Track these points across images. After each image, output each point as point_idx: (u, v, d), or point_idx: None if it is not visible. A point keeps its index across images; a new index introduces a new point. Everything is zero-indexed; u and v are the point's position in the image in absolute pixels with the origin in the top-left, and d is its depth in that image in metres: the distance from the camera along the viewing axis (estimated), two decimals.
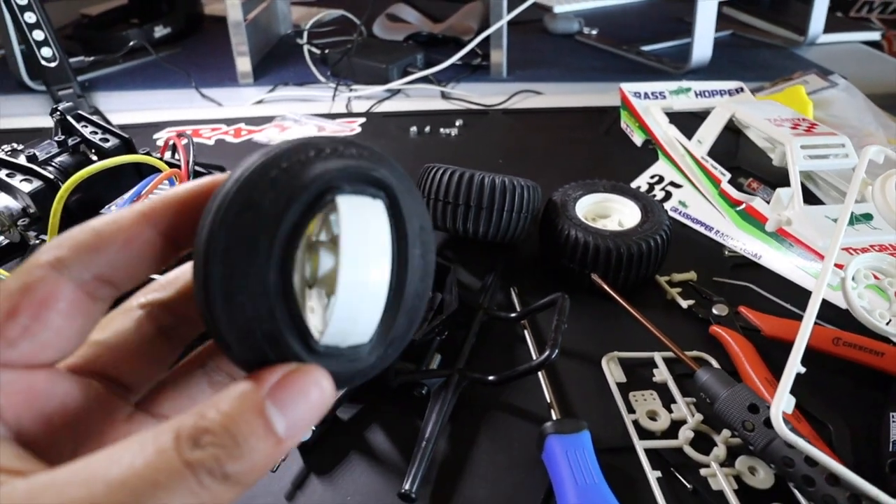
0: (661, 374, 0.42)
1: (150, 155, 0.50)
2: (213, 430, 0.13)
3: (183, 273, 0.19)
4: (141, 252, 0.17)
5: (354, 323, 0.16)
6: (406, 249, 0.17)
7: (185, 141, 0.49)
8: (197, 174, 0.52)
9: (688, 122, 0.66)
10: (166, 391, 0.18)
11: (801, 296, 0.48)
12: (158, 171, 0.47)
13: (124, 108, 0.85)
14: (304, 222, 0.15)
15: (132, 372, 0.18)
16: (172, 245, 0.17)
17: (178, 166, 0.48)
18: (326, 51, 0.96)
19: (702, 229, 0.57)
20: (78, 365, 0.17)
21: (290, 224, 0.15)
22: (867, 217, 0.49)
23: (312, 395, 0.15)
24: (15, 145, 0.52)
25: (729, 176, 0.57)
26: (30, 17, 0.81)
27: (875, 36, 1.05)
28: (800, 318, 0.46)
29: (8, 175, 0.47)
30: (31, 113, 0.84)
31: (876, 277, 0.41)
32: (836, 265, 0.38)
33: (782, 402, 0.32)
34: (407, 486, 0.33)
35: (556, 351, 0.37)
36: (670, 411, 0.39)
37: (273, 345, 0.15)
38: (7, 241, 0.50)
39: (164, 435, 0.13)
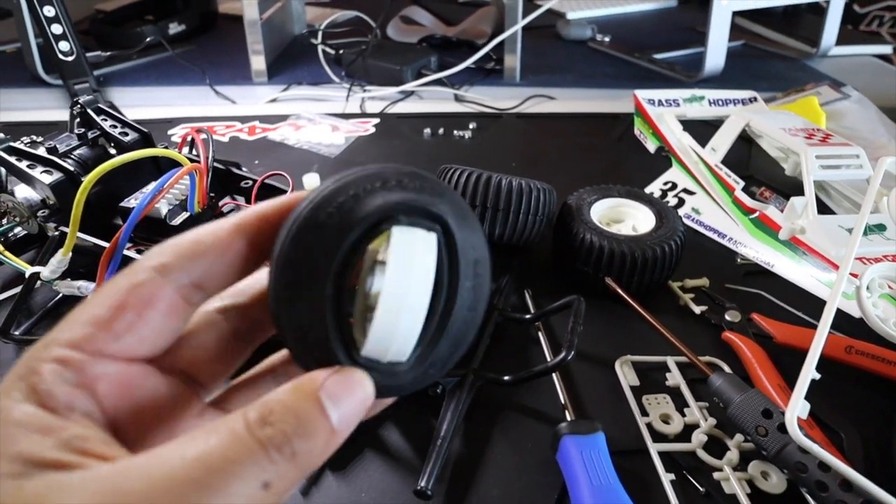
0: (674, 378, 0.42)
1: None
2: (278, 410, 0.15)
3: (257, 281, 0.20)
4: (233, 261, 0.18)
5: (391, 342, 0.17)
6: (457, 281, 0.18)
7: (203, 136, 0.50)
8: (215, 170, 0.53)
9: (701, 131, 0.67)
10: (238, 393, 0.20)
11: (812, 304, 0.49)
12: (178, 165, 0.47)
13: (139, 103, 0.86)
14: (360, 247, 0.17)
15: (207, 371, 0.19)
16: (259, 255, 0.19)
17: (198, 161, 0.48)
18: (341, 51, 0.97)
19: (714, 236, 0.57)
20: (162, 360, 0.18)
21: (347, 246, 0.17)
22: (881, 228, 0.49)
23: (358, 393, 0.17)
24: (34, 137, 0.52)
25: (743, 184, 0.57)
26: (49, 11, 0.82)
27: (887, 49, 1.06)
28: (811, 326, 0.46)
29: (29, 166, 0.48)
30: (45, 107, 0.84)
31: (890, 287, 0.41)
32: (850, 274, 0.39)
33: (797, 407, 0.33)
34: (423, 484, 0.33)
35: (572, 352, 0.37)
36: (683, 415, 0.39)
37: (321, 349, 0.17)
38: (25, 231, 0.50)
39: (235, 419, 0.14)
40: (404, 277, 0.17)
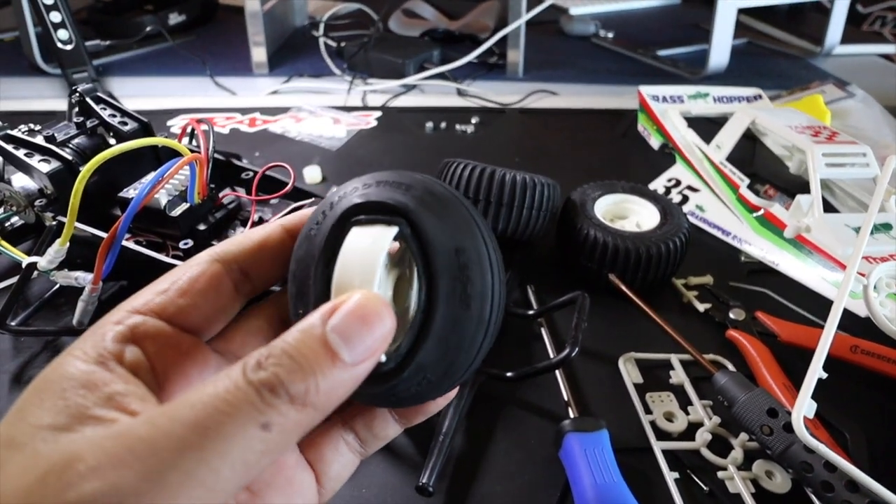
0: (678, 375, 0.42)
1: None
2: (276, 353, 0.15)
3: (250, 235, 0.22)
4: (282, 257, 0.21)
5: None
6: (432, 271, 0.18)
7: (204, 127, 0.49)
8: (216, 161, 0.52)
9: (705, 128, 0.66)
10: (236, 334, 0.21)
11: (817, 303, 0.48)
12: (178, 155, 0.46)
13: (138, 93, 0.85)
14: (334, 248, 0.18)
15: (208, 318, 0.20)
16: None
17: (198, 152, 0.48)
18: (343, 44, 0.96)
19: (719, 234, 0.57)
20: (170, 313, 0.19)
21: (324, 255, 0.19)
22: (887, 227, 0.48)
23: (376, 322, 0.16)
24: (32, 126, 0.52)
25: (748, 181, 0.57)
26: None
27: (891, 49, 1.05)
28: (816, 325, 0.46)
29: (26, 155, 0.47)
30: (43, 96, 0.84)
31: None
32: (858, 273, 0.38)
33: (804, 406, 0.32)
34: (424, 480, 0.33)
35: (577, 349, 0.37)
36: (687, 413, 0.39)
37: None
38: (22, 221, 0.49)
39: (236, 368, 0.15)
40: (348, 269, 0.18)
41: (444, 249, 0.18)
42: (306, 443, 0.21)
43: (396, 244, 0.19)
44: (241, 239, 0.21)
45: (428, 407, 0.22)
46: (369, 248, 0.18)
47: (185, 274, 0.19)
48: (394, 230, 0.18)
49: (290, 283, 0.20)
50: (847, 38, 1.03)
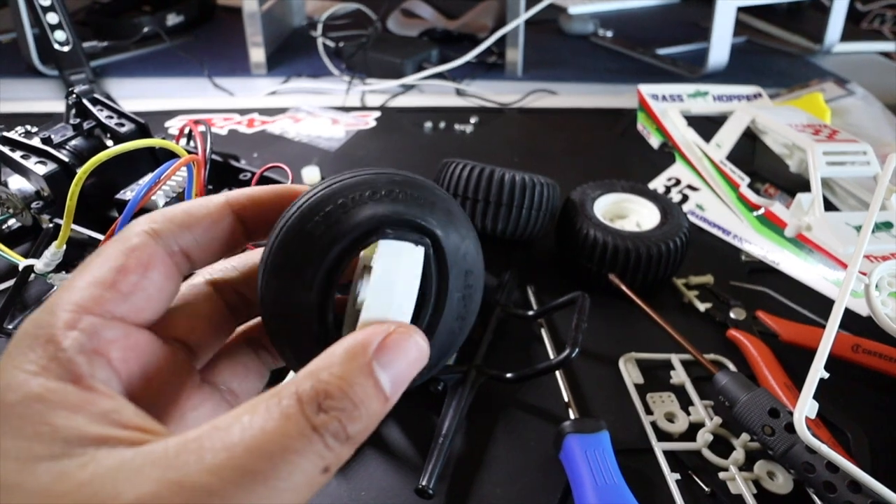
0: (679, 376, 0.41)
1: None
2: (333, 393, 0.14)
3: (250, 259, 0.21)
4: (221, 235, 0.19)
5: None
6: (445, 293, 0.19)
7: (202, 128, 0.49)
8: (213, 162, 0.52)
9: (704, 127, 0.66)
10: (219, 363, 0.20)
11: (818, 302, 0.48)
12: (175, 156, 0.46)
13: (135, 94, 0.85)
14: (347, 257, 0.17)
15: (202, 341, 0.19)
16: (246, 235, 0.20)
17: (196, 153, 0.47)
18: (341, 44, 0.96)
19: (719, 233, 0.56)
20: (160, 329, 0.18)
21: (333, 257, 0.17)
22: (888, 225, 0.48)
23: (412, 353, 0.16)
24: (29, 127, 0.51)
25: (748, 180, 0.57)
26: (44, 0, 0.80)
27: (891, 47, 1.05)
28: (817, 323, 0.46)
29: (23, 157, 0.47)
30: (41, 97, 0.83)
31: None
32: (859, 272, 0.38)
33: (806, 407, 0.32)
34: (424, 482, 0.32)
35: (577, 350, 0.37)
36: (688, 414, 0.39)
37: (308, 355, 0.17)
38: (19, 223, 0.49)
39: (288, 399, 0.14)
40: (386, 292, 0.17)
41: (457, 271, 0.19)
42: (211, 370, 0.20)
43: None
44: (181, 215, 0.18)
45: None
46: (406, 273, 0.18)
47: (128, 258, 0.16)
48: (422, 251, 0.18)
49: (268, 274, 0.18)
50: (846, 36, 1.03)
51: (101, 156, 0.39)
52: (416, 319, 0.18)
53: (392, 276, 0.17)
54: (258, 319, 0.21)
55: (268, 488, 0.13)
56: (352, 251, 0.17)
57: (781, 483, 0.35)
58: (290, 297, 0.17)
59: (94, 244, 0.38)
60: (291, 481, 0.13)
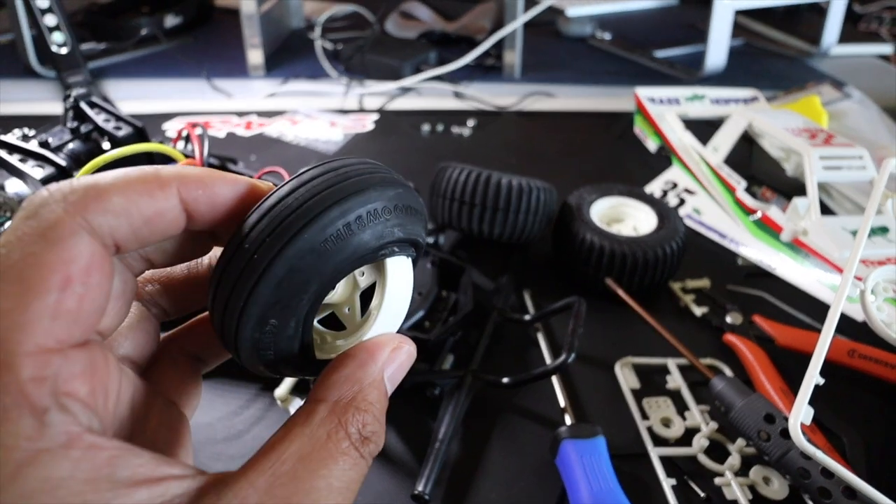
0: (675, 380, 0.41)
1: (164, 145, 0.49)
2: (368, 420, 0.17)
3: (139, 206, 0.17)
4: (176, 236, 0.17)
5: None
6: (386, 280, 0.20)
7: (199, 131, 0.49)
8: (210, 166, 0.52)
9: (701, 130, 0.66)
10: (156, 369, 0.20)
11: (814, 307, 0.48)
12: (172, 161, 0.46)
13: (133, 96, 0.85)
14: (341, 276, 0.18)
15: (104, 320, 0.16)
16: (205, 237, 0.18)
17: (193, 157, 0.47)
18: (339, 46, 0.96)
19: (715, 237, 0.56)
20: (76, 334, 0.15)
21: (346, 270, 0.17)
22: (883, 230, 0.48)
23: (405, 361, 0.19)
24: (26, 131, 0.51)
25: (745, 184, 0.57)
26: (42, 2, 0.80)
27: (889, 49, 1.05)
28: (813, 328, 0.46)
29: (20, 160, 0.47)
30: (38, 99, 0.83)
31: (895, 291, 0.41)
32: (855, 277, 0.38)
33: (801, 413, 0.32)
34: (420, 488, 0.33)
35: (573, 354, 0.37)
36: (684, 418, 0.39)
37: (288, 361, 0.18)
38: None
39: (329, 422, 0.16)
40: (394, 307, 0.20)
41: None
42: (164, 386, 0.19)
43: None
44: (130, 208, 0.15)
45: None
46: (406, 288, 0.20)
47: (53, 265, 0.13)
48: (410, 261, 0.20)
49: (272, 286, 0.16)
50: (844, 38, 1.03)
51: (99, 160, 0.39)
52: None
53: (399, 292, 0.20)
54: (186, 326, 0.20)
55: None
56: (352, 270, 0.18)
57: (777, 488, 0.35)
58: (285, 310, 0.16)
59: None
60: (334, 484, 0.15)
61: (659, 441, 0.38)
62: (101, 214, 0.14)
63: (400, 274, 0.19)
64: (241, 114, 0.80)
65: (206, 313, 0.20)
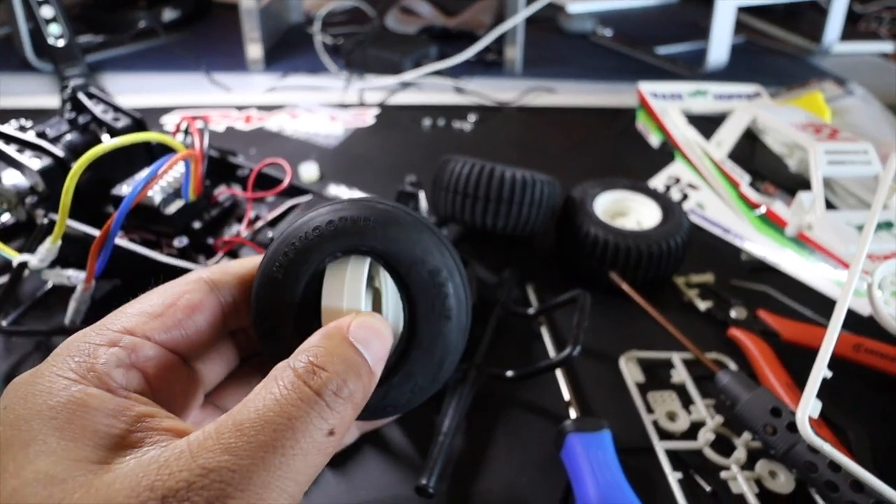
0: (680, 374, 0.41)
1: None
2: (325, 361, 0.16)
3: (243, 264, 0.22)
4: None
5: None
6: (412, 297, 0.20)
7: (199, 123, 0.48)
8: (211, 158, 0.51)
9: (704, 126, 0.66)
10: (228, 389, 0.22)
11: (818, 301, 0.48)
12: (172, 152, 0.46)
13: (131, 90, 0.84)
14: (309, 290, 0.20)
15: (198, 346, 0.20)
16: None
17: (192, 148, 0.47)
18: (339, 41, 0.95)
19: (719, 232, 0.56)
20: (165, 339, 0.19)
21: (299, 293, 0.20)
22: (888, 225, 0.48)
23: (381, 332, 0.18)
24: (23, 122, 0.51)
25: (749, 179, 0.57)
26: None
27: (890, 47, 1.05)
28: (818, 323, 0.46)
29: (17, 151, 0.46)
30: (35, 92, 0.82)
31: None
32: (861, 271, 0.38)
33: (809, 406, 0.32)
34: (424, 481, 0.32)
35: (578, 348, 0.36)
36: (689, 412, 0.39)
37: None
38: (13, 219, 0.49)
39: (284, 375, 0.16)
40: (335, 298, 0.20)
41: (419, 276, 0.20)
42: (219, 394, 0.22)
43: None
44: (235, 267, 0.21)
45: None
46: (351, 278, 0.20)
47: (179, 298, 0.19)
48: (367, 260, 0.20)
49: (257, 325, 0.20)
50: (844, 37, 1.03)
51: (97, 150, 0.38)
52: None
53: (339, 285, 0.20)
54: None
55: (278, 456, 0.14)
56: (313, 283, 0.20)
57: (783, 482, 0.34)
58: (276, 333, 0.20)
59: (90, 240, 0.38)
60: (300, 447, 0.15)
61: (664, 435, 0.37)
62: (224, 277, 0.21)
63: (339, 272, 0.20)
64: (240, 108, 0.80)
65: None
